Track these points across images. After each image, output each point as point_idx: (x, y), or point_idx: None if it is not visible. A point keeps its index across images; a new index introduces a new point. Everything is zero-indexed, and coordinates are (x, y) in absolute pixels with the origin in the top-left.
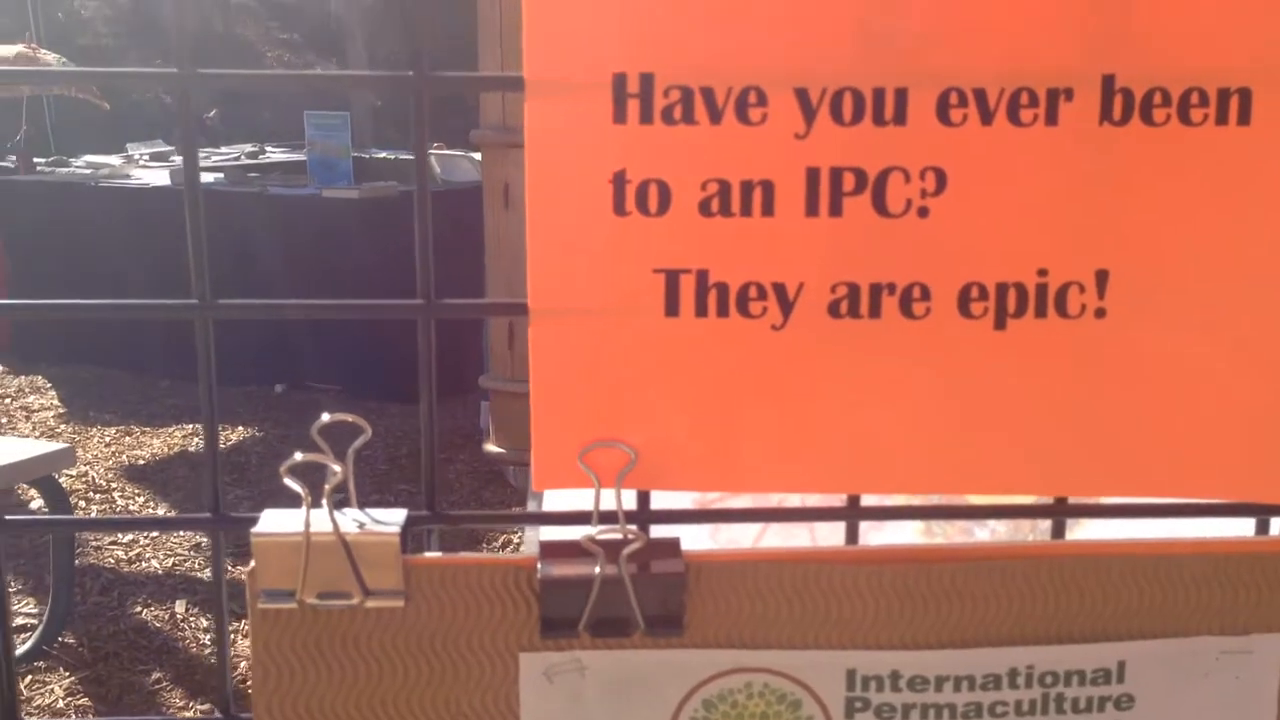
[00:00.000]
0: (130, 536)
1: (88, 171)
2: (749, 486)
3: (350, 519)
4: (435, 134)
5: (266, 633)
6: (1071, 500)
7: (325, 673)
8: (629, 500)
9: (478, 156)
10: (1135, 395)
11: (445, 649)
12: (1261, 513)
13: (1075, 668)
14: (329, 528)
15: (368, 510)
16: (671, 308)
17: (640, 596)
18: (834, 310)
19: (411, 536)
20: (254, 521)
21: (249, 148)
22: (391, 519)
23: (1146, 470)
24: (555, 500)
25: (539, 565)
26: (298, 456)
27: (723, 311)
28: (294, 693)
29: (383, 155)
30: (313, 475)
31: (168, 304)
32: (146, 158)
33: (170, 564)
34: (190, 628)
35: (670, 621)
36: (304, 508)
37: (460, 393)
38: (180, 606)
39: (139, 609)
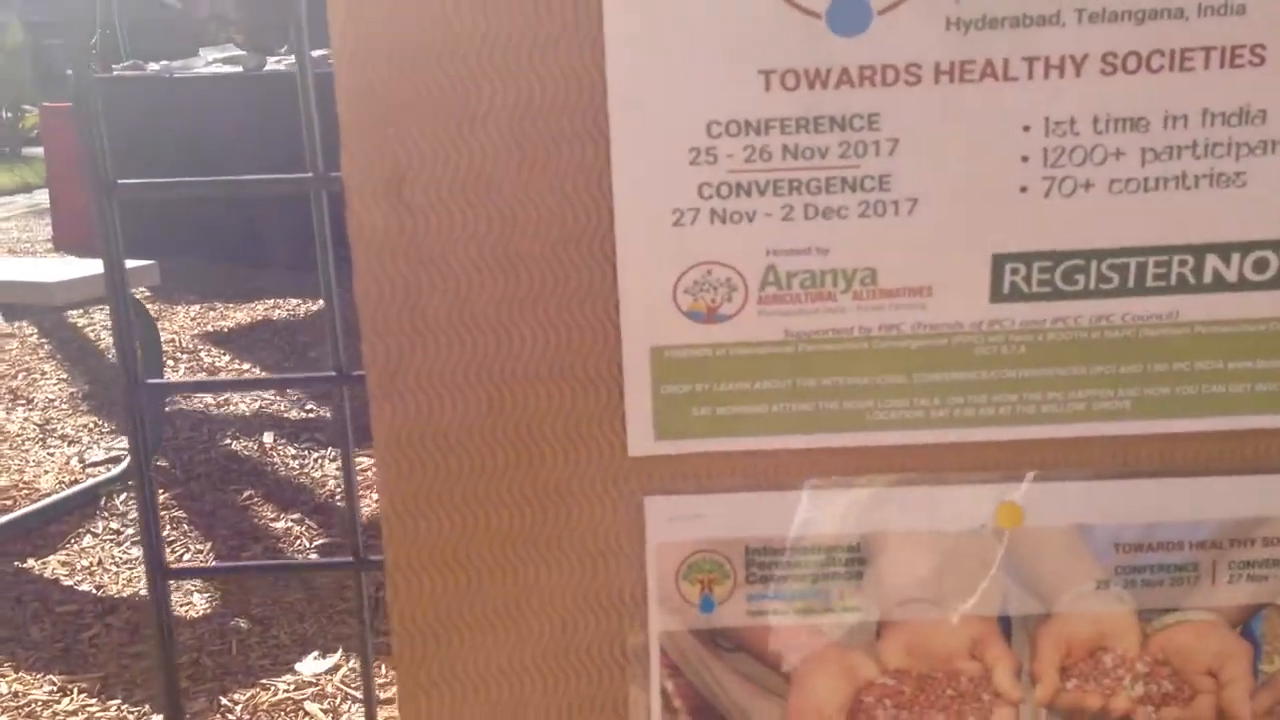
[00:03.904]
0: None
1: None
2: None
3: None
4: None
5: None
6: None
7: None
8: None
9: None
10: None
11: None
12: None
13: None
14: None
15: None
16: None
17: None
18: None
19: None
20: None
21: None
22: None
23: None
24: None
25: None
26: None
27: None
28: None
29: None
30: None
31: (284, 179)
32: (219, 63)
33: (257, 407)
34: (279, 454)
35: None
36: None
37: None
38: (268, 438)
39: (228, 441)
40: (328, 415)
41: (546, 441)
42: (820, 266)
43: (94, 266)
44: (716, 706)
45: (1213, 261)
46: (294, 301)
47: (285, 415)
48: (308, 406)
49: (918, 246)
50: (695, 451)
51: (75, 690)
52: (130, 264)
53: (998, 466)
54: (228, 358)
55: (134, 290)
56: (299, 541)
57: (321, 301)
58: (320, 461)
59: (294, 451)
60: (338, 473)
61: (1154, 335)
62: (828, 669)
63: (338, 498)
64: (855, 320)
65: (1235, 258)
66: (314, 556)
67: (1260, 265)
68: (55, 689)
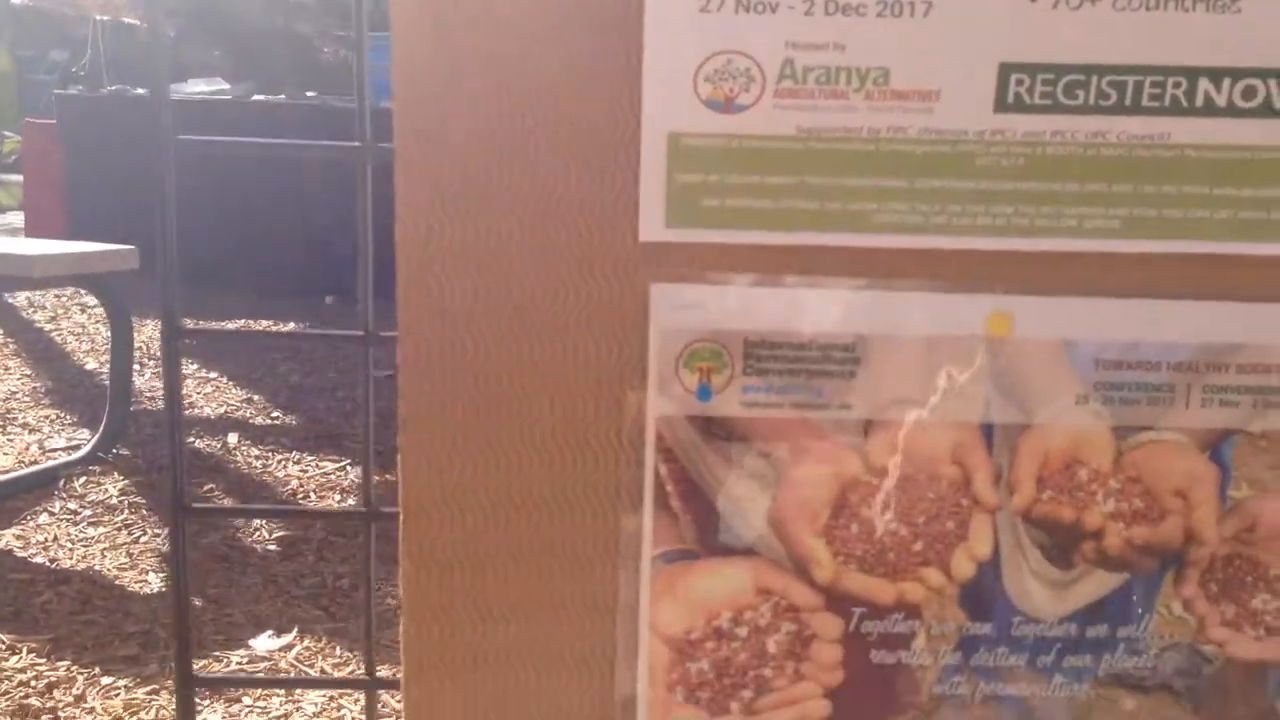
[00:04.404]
0: (184, 389)
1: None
2: None
3: None
4: None
5: None
6: None
7: None
8: None
9: None
10: None
11: None
12: None
13: None
14: None
15: None
16: None
17: None
18: None
19: None
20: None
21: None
22: None
23: None
24: None
25: None
26: None
27: None
28: None
29: None
30: None
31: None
32: (205, 94)
33: (223, 411)
34: (243, 454)
35: None
36: None
37: None
38: (233, 438)
39: (193, 439)
40: (293, 422)
41: (561, 222)
42: (836, 63)
43: (74, 246)
44: (707, 493)
45: (1205, 85)
46: (265, 322)
47: (251, 421)
48: (274, 414)
49: (929, 50)
50: (703, 242)
51: (24, 649)
52: (109, 248)
53: (990, 276)
54: (194, 365)
55: (111, 270)
56: (258, 533)
57: (293, 324)
58: (284, 463)
59: (258, 452)
60: (301, 473)
61: (1146, 156)
62: (817, 464)
63: (300, 496)
64: (865, 120)
65: (1226, 83)
66: (273, 548)
67: (1249, 93)
68: (4, 647)
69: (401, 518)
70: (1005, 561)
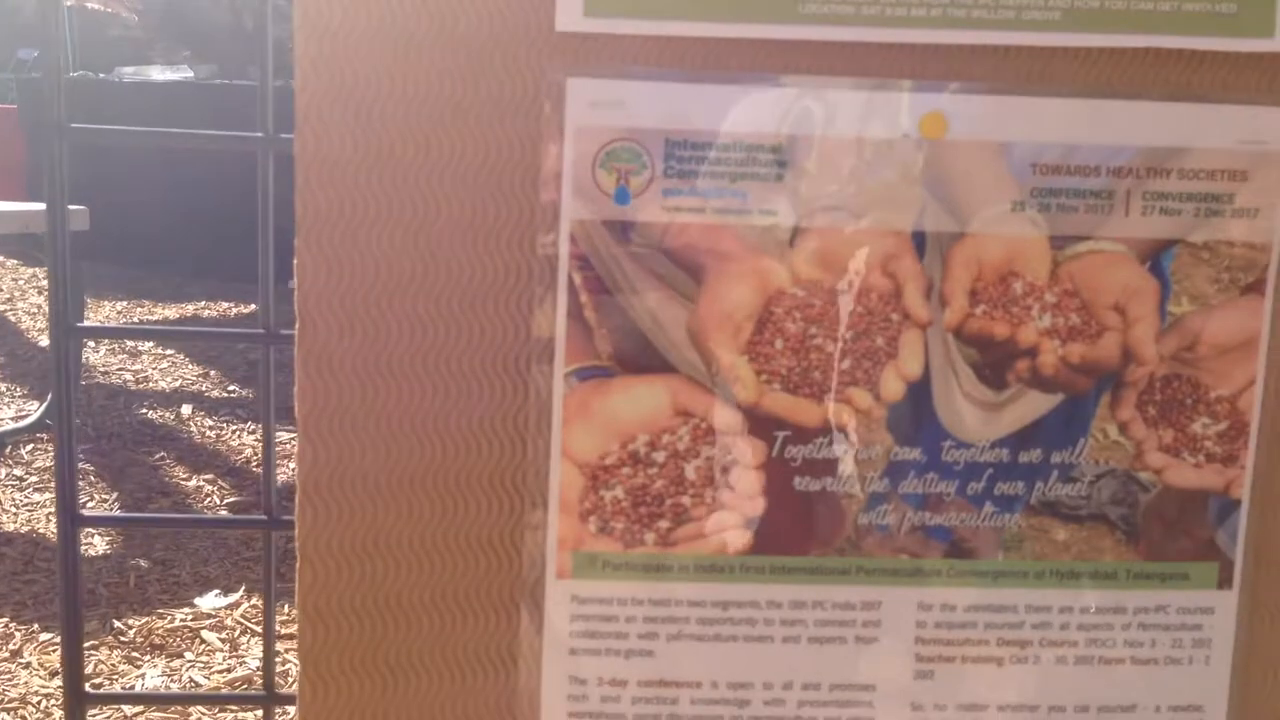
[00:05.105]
0: (137, 364)
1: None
2: None
3: None
4: None
5: None
6: None
7: None
8: None
9: None
10: None
11: None
12: None
13: None
14: None
15: None
16: None
17: None
18: None
19: None
20: None
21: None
22: None
23: None
24: None
25: None
26: None
27: None
28: None
29: None
30: None
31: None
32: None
33: (178, 385)
34: (196, 425)
35: None
36: None
37: None
38: (186, 409)
39: (145, 411)
40: (249, 395)
41: (471, 8)
42: None
43: (22, 205)
44: (623, 305)
45: None
46: (225, 304)
47: (207, 394)
48: (230, 388)
49: None
50: (623, 33)
51: None
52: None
53: (924, 74)
54: (151, 343)
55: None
56: (209, 499)
57: (254, 306)
58: (239, 433)
59: (211, 423)
60: (256, 443)
61: None
62: (740, 274)
63: (254, 464)
64: None
65: None
66: (224, 513)
67: None
68: None
69: (298, 328)
70: (936, 381)
